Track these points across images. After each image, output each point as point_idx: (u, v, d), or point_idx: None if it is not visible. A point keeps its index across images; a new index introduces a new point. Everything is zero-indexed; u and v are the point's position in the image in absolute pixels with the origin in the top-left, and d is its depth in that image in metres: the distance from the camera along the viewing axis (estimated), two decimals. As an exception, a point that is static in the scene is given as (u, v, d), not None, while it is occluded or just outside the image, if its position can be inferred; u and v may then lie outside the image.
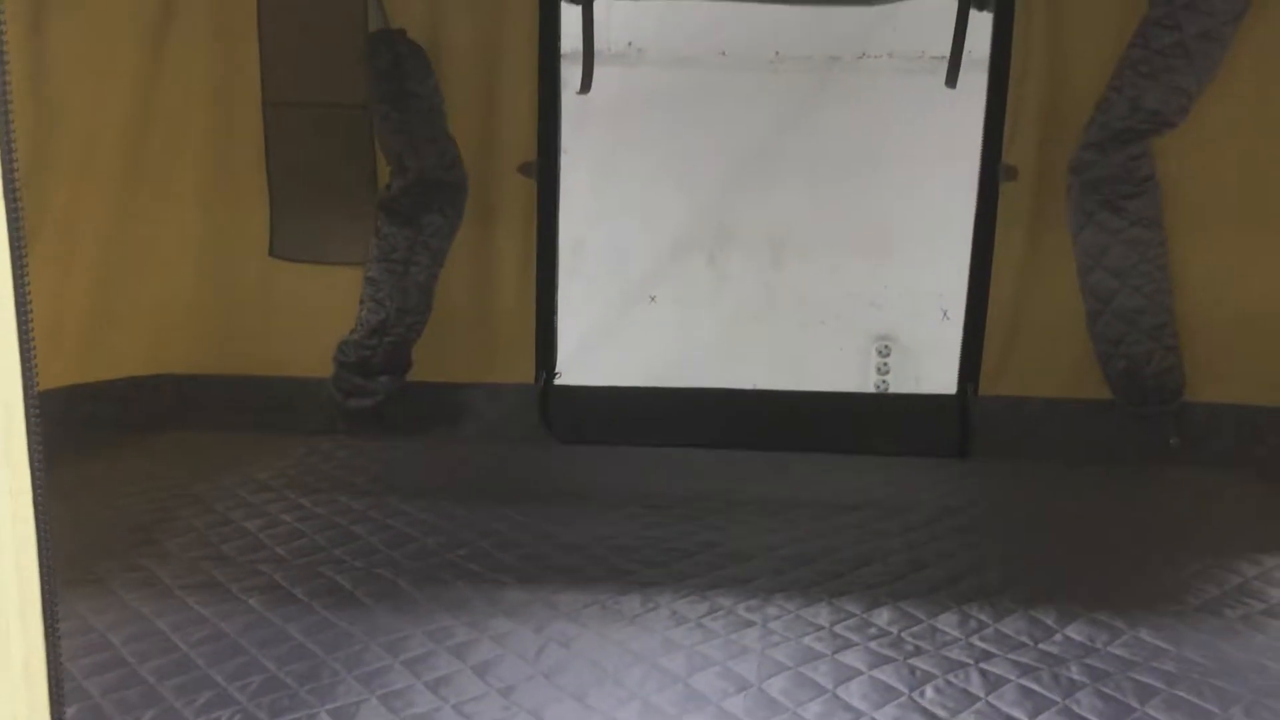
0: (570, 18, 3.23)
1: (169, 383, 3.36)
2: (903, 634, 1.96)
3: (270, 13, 3.20)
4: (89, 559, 2.25)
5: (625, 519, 2.58)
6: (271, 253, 3.33)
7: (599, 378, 3.48)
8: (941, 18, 3.13)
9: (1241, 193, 3.02)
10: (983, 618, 2.02)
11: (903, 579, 2.23)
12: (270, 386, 3.37)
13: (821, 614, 2.04)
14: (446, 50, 3.19)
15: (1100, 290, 3.05)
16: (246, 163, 3.28)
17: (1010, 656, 1.87)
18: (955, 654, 1.88)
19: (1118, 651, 1.89)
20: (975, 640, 1.93)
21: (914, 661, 1.85)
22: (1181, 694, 1.74)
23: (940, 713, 1.69)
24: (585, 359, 3.67)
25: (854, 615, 2.03)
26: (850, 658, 1.86)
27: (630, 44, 3.91)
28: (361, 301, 3.26)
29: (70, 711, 1.65)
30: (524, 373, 3.37)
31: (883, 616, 2.03)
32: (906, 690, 1.76)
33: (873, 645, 1.91)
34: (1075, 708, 1.70)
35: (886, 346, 4.03)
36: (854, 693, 1.75)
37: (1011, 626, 1.99)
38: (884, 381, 4.04)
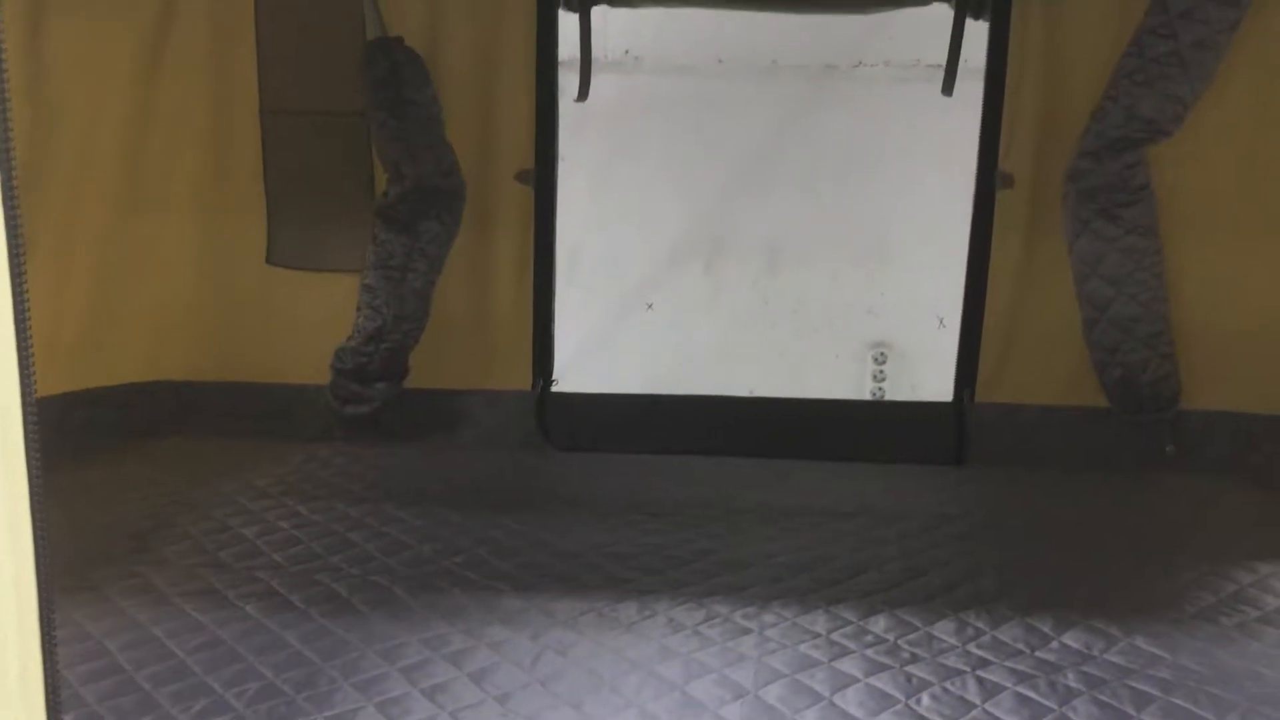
0: (568, 25, 3.23)
1: (167, 389, 3.35)
2: (899, 641, 1.96)
3: (268, 20, 3.21)
4: (86, 565, 2.25)
5: (622, 526, 2.58)
6: (268, 260, 3.32)
7: (596, 385, 3.48)
8: (938, 26, 3.13)
9: (1237, 201, 3.03)
10: (979, 625, 2.03)
11: (899, 586, 2.23)
12: (268, 393, 3.37)
13: (818, 621, 2.04)
14: (444, 58, 3.19)
15: (1096, 298, 3.05)
16: (244, 170, 3.28)
17: (1007, 664, 1.88)
18: (952, 661, 1.88)
19: (1114, 659, 1.90)
20: (972, 647, 1.94)
21: (910, 669, 1.85)
22: (1178, 701, 1.74)
23: (936, 720, 1.69)
24: (582, 366, 3.67)
25: (851, 622, 2.03)
26: (847, 665, 1.86)
27: (627, 52, 3.91)
28: (359, 308, 3.25)
29: (67, 718, 1.65)
30: (521, 380, 3.37)
31: (879, 624, 2.03)
32: (903, 697, 1.76)
33: (869, 652, 1.91)
34: (1072, 715, 1.70)
35: (883, 354, 4.03)
36: (851, 700, 1.75)
37: (1008, 634, 1.99)
38: (880, 389, 4.03)
